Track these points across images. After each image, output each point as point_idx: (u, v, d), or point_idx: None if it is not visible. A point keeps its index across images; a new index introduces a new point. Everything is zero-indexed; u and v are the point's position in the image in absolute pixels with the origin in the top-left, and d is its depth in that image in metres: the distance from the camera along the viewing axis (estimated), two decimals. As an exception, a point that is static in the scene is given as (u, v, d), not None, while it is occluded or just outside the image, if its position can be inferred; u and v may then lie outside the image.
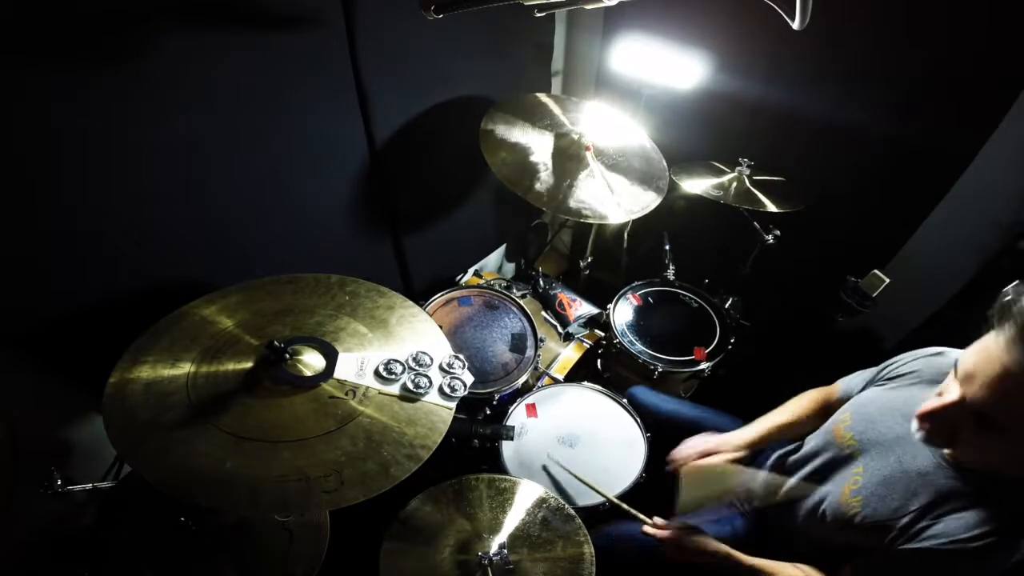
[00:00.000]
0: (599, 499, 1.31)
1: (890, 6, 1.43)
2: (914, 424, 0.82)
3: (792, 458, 1.12)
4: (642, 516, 1.15)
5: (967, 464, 0.81)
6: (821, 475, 1.02)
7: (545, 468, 1.39)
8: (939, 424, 0.77)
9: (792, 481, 1.07)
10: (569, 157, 1.57)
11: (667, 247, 1.99)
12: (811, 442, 1.10)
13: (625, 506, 1.20)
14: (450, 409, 0.97)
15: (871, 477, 0.91)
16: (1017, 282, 0.68)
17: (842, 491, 0.94)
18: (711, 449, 1.22)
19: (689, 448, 1.26)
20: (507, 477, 1.28)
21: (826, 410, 1.13)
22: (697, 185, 1.71)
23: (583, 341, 1.87)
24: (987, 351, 0.68)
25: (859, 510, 0.90)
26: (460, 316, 1.72)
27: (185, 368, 0.92)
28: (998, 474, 0.77)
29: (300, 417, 0.89)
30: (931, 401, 0.78)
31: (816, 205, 1.68)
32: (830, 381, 1.21)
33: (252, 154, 1.26)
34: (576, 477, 1.31)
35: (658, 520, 1.12)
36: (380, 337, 1.06)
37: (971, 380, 0.70)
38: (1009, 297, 0.67)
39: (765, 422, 1.23)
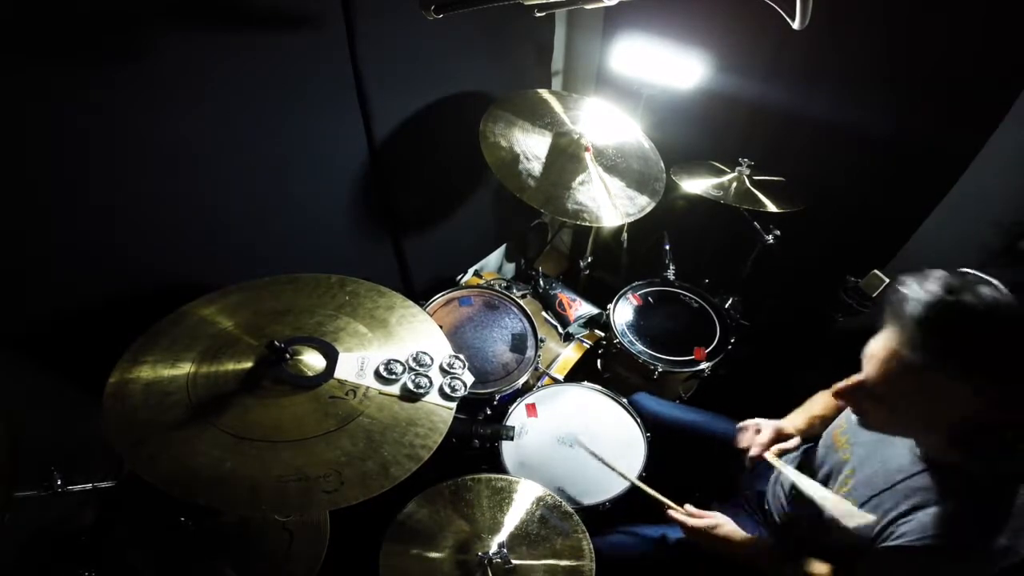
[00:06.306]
0: (599, 499, 1.31)
1: (890, 6, 1.43)
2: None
3: (798, 464, 1.13)
4: (671, 503, 1.14)
5: (938, 460, 0.83)
6: (823, 479, 1.03)
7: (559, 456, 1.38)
8: (850, 401, 0.88)
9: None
10: (568, 157, 1.56)
11: (667, 247, 1.99)
12: (814, 448, 1.11)
13: (652, 491, 1.19)
14: (450, 409, 0.97)
15: (859, 478, 0.94)
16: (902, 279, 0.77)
17: (836, 492, 0.97)
18: (776, 433, 1.19)
19: (757, 434, 1.20)
20: (504, 476, 1.28)
21: (838, 408, 1.14)
22: (697, 185, 1.70)
23: (583, 341, 1.87)
24: (880, 339, 0.79)
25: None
26: (460, 316, 1.72)
27: (185, 368, 0.92)
28: (966, 470, 0.80)
29: (300, 417, 0.89)
30: (843, 381, 0.86)
31: (816, 205, 1.68)
32: (830, 381, 1.20)
33: (252, 154, 1.26)
34: (602, 460, 1.30)
35: (690, 508, 1.12)
36: (380, 337, 1.06)
37: (868, 362, 0.81)
38: (893, 293, 0.77)
39: (805, 412, 1.22)
